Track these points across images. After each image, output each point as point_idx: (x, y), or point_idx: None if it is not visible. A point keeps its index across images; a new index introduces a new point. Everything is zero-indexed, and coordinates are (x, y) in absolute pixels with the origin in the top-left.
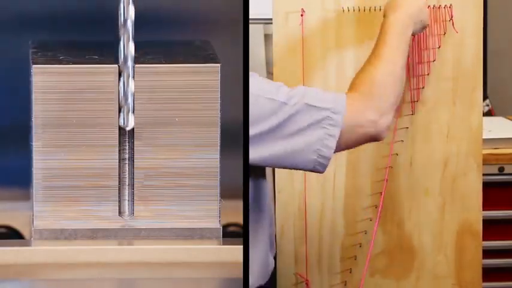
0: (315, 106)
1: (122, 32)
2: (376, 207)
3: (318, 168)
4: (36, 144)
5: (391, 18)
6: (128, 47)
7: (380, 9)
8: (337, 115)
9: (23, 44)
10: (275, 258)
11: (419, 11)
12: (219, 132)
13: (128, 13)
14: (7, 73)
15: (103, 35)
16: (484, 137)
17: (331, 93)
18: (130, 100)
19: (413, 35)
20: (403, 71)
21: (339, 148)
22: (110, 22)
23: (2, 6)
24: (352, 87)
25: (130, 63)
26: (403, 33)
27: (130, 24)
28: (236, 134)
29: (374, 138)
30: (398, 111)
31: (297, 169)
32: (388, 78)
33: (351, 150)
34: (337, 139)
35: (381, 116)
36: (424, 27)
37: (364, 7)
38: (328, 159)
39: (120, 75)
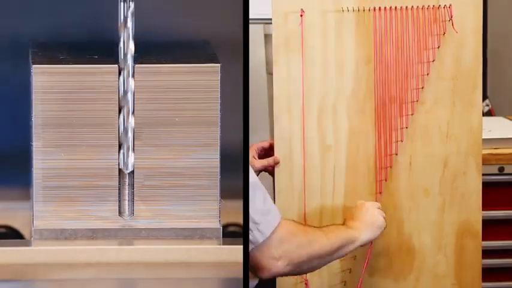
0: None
1: (121, 30)
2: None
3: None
4: (36, 144)
5: (356, 234)
6: (128, 46)
7: (380, 9)
8: (258, 233)
9: (22, 43)
10: None
11: (378, 229)
12: (219, 132)
13: (128, 11)
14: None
15: (103, 35)
16: (484, 137)
17: (273, 214)
18: (130, 99)
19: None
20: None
21: None
22: (110, 22)
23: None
24: (292, 234)
25: (130, 61)
26: (358, 245)
27: (130, 22)
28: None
29: (257, 271)
30: (399, 111)
31: None
32: (320, 262)
33: (349, 150)
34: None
35: (276, 261)
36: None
37: (364, 7)
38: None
39: (120, 74)
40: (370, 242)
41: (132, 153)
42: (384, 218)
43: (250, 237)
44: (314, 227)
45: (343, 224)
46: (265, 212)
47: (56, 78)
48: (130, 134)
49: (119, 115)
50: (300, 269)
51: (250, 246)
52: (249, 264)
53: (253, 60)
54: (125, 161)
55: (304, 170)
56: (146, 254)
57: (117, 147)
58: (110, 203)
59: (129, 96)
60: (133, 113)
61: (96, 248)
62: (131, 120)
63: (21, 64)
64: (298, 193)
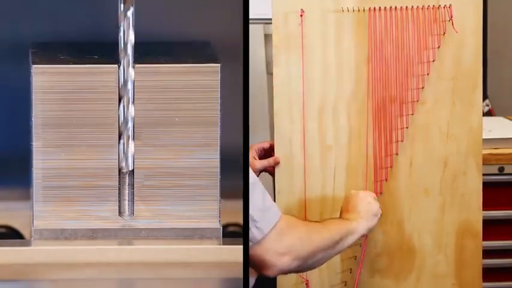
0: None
1: (122, 55)
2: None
3: None
4: (36, 144)
5: (354, 225)
6: (127, 71)
7: (380, 9)
8: (256, 230)
9: (22, 43)
10: None
11: (374, 217)
12: (219, 132)
13: (128, 37)
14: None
15: (103, 35)
16: (484, 137)
17: (272, 211)
18: (130, 125)
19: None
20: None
21: None
22: (110, 22)
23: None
24: (292, 226)
25: (130, 87)
26: (358, 236)
27: (130, 48)
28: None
29: (262, 268)
30: (399, 111)
31: None
32: (324, 256)
33: (349, 150)
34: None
35: (281, 256)
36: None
37: (364, 7)
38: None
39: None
40: (365, 235)
41: (133, 142)
42: (379, 206)
43: (250, 235)
44: (313, 221)
45: (340, 217)
46: (264, 209)
47: (56, 78)
48: (130, 124)
49: (118, 106)
50: (306, 263)
51: (250, 244)
52: (254, 262)
53: (253, 60)
54: (125, 153)
55: (305, 170)
56: (146, 254)
57: (117, 147)
58: (110, 203)
59: (129, 85)
60: (133, 102)
61: (96, 248)
62: (131, 110)
63: (21, 64)
64: (298, 193)
